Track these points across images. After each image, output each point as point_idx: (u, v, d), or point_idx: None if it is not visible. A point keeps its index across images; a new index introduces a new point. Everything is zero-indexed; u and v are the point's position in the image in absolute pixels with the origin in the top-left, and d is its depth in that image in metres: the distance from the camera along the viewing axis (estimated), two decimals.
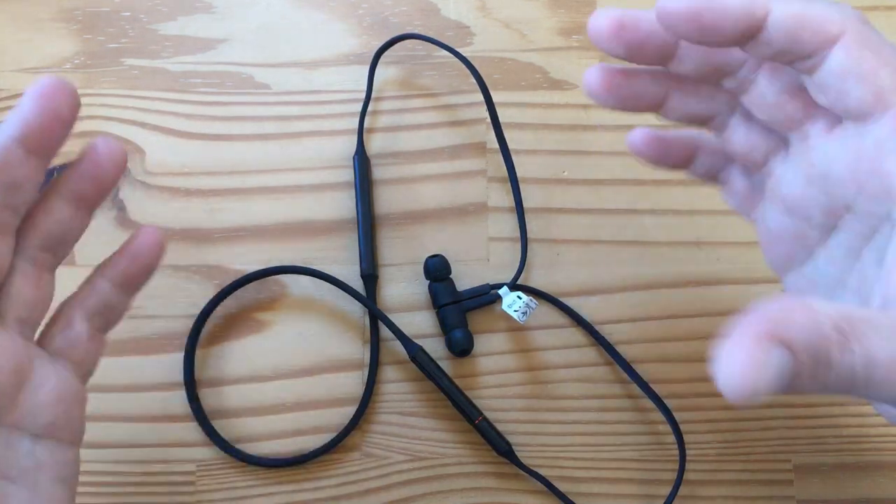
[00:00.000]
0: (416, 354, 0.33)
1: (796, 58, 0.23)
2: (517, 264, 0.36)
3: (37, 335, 0.27)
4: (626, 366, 0.34)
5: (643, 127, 0.30)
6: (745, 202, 0.29)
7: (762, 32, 0.22)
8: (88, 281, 0.28)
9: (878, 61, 0.22)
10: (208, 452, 0.34)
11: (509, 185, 0.36)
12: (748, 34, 0.23)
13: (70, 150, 0.26)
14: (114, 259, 0.29)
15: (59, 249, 0.27)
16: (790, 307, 0.18)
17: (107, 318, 0.29)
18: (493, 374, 0.35)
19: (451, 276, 0.35)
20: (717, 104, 0.27)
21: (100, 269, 0.29)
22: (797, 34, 0.22)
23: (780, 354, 0.17)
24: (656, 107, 0.28)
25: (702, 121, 0.28)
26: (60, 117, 0.25)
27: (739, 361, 0.17)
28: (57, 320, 0.28)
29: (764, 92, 0.25)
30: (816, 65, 0.23)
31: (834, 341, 0.18)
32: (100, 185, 0.27)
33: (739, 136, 0.27)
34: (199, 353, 0.35)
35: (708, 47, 0.25)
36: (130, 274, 0.29)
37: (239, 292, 0.35)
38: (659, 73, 0.27)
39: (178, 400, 0.34)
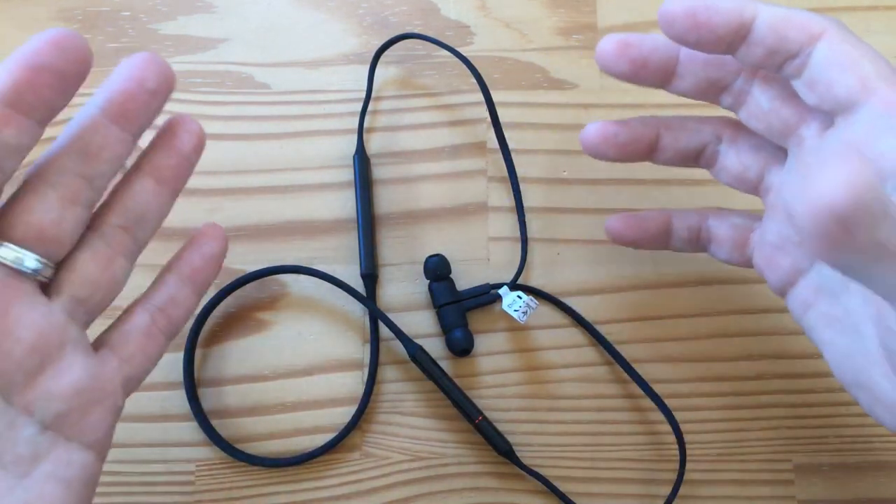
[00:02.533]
0: (416, 354, 0.33)
1: (784, 57, 0.25)
2: (517, 264, 0.36)
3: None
4: (626, 366, 0.34)
5: (618, 213, 0.32)
6: (735, 251, 0.31)
7: (751, 33, 0.25)
8: (157, 278, 0.28)
9: (858, 53, 0.24)
10: (208, 452, 0.34)
11: (509, 184, 0.36)
12: (739, 33, 0.25)
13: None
14: (183, 255, 0.28)
15: (140, 231, 0.26)
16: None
17: (170, 315, 0.28)
18: (493, 373, 0.35)
19: (451, 275, 0.35)
20: (704, 135, 0.30)
21: (168, 265, 0.28)
22: (783, 32, 0.24)
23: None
24: (650, 150, 0.30)
25: (693, 156, 0.30)
26: (145, 87, 0.24)
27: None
28: (120, 315, 0.27)
29: (759, 101, 0.27)
30: (804, 63, 0.25)
31: None
32: (181, 159, 0.26)
33: (731, 160, 0.29)
34: (198, 352, 0.35)
35: (705, 55, 0.27)
36: (200, 270, 0.28)
37: (239, 292, 0.35)
38: (647, 118, 0.30)
39: (178, 400, 0.34)
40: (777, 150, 0.28)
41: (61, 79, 0.22)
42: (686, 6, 0.25)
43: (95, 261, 0.25)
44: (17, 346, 0.23)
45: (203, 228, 0.29)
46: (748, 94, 0.28)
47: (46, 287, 0.25)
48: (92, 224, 0.25)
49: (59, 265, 0.25)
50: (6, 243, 0.23)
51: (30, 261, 0.23)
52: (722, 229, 0.31)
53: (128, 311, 0.27)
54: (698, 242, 0.32)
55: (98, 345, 0.26)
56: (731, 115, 0.29)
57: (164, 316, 0.27)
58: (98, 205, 0.26)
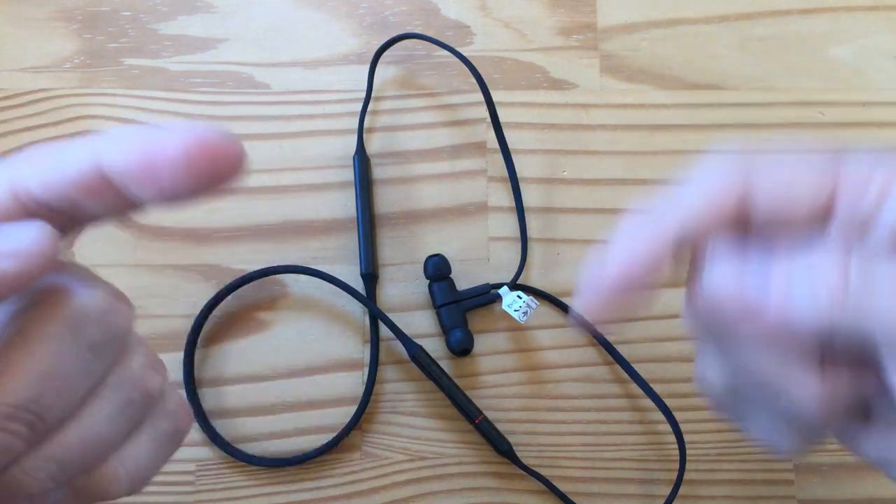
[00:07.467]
0: (416, 354, 0.33)
1: None
2: (517, 264, 0.36)
3: None
4: (626, 366, 0.34)
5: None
6: None
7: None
8: None
9: None
10: (208, 452, 0.34)
11: (509, 184, 0.36)
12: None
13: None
14: None
15: None
16: None
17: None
18: (493, 373, 0.35)
19: (451, 275, 0.35)
20: None
21: None
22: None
23: None
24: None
25: None
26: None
27: None
28: None
29: None
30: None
31: None
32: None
33: None
34: (198, 352, 0.35)
35: None
36: None
37: (239, 292, 0.35)
38: None
39: None
40: None
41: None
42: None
43: None
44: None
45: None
46: None
47: None
48: None
49: None
50: None
51: None
52: None
53: None
54: None
55: None
56: None
57: None
58: None
